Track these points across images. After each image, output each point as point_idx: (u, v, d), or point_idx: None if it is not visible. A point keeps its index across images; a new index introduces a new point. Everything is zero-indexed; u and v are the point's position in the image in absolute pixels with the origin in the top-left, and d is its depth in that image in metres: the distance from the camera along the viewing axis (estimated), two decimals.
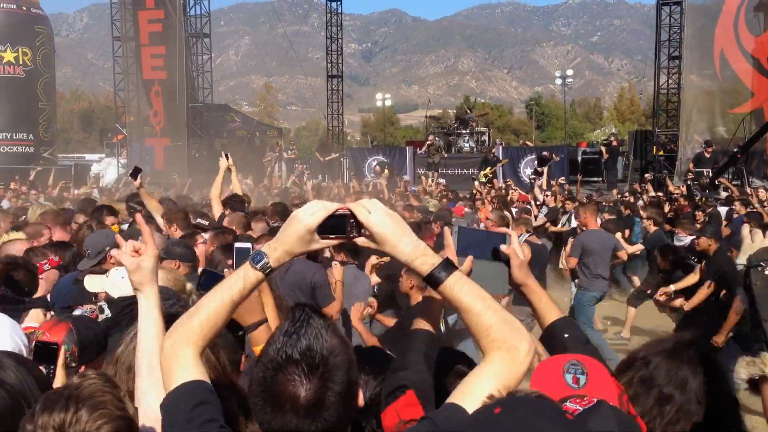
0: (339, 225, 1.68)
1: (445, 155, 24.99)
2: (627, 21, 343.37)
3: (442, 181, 21.28)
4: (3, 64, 25.31)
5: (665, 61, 24.30)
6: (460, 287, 1.67)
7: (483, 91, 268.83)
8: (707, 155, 20.74)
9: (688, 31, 23.06)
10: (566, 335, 2.02)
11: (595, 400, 1.59)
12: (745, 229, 1.61)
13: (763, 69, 21.58)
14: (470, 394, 1.60)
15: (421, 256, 1.68)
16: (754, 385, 1.46)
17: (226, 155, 7.77)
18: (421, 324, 2.03)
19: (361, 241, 1.71)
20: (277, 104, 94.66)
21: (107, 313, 3.52)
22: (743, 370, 1.48)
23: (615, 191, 18.04)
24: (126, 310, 3.42)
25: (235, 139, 27.26)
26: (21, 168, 21.59)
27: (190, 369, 1.66)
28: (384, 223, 1.67)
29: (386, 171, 22.18)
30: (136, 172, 7.60)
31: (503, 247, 1.97)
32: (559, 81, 50.33)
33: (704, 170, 20.12)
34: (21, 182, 17.04)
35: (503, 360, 1.63)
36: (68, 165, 27.66)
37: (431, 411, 1.75)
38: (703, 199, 14.55)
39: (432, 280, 1.68)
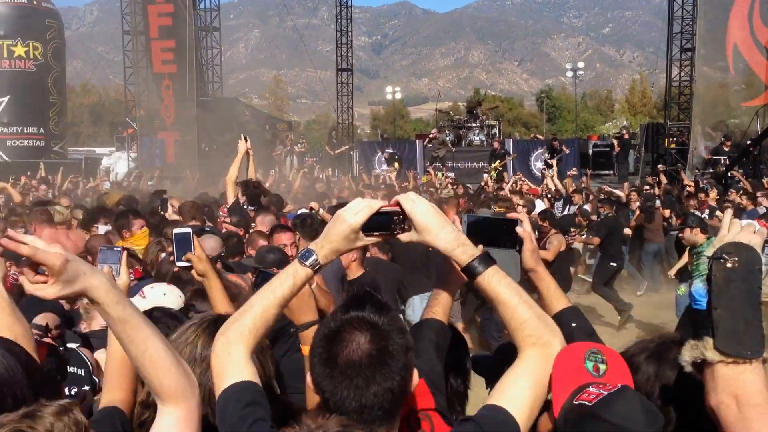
0: (383, 222, 1.73)
1: (453, 149, 24.87)
2: (638, 12, 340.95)
3: (451, 174, 21.21)
4: (14, 59, 25.39)
5: (677, 54, 24.11)
6: (498, 280, 1.72)
7: (493, 83, 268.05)
8: (726, 149, 20.54)
9: (700, 23, 22.82)
10: (573, 324, 2.03)
11: (619, 385, 1.64)
12: (726, 216, 1.58)
13: None
14: (509, 395, 1.65)
15: (461, 246, 1.74)
16: (698, 368, 1.50)
17: (245, 138, 7.69)
18: (432, 313, 2.06)
19: (403, 236, 1.75)
20: (287, 97, 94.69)
21: None
22: (687, 353, 1.53)
23: (626, 184, 17.92)
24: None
25: (245, 132, 27.25)
26: (32, 162, 21.65)
27: (242, 369, 1.69)
28: (427, 212, 1.72)
29: (395, 164, 22.12)
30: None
31: (518, 230, 1.98)
32: (570, 73, 50.11)
33: (720, 158, 19.98)
34: (31, 177, 17.11)
35: (538, 356, 1.68)
36: (78, 159, 27.79)
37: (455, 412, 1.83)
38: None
39: (469, 271, 1.73)
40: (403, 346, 1.56)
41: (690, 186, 15.78)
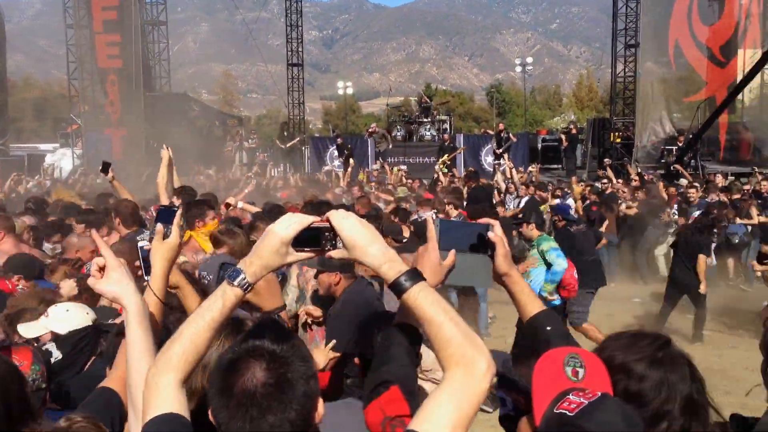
0: (314, 238, 1.70)
1: (391, 144, 24.95)
2: (585, 8, 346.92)
3: (404, 167, 21.30)
4: None
5: (622, 50, 24.63)
6: (423, 297, 1.65)
7: (444, 78, 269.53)
8: (679, 144, 21.14)
9: (644, 20, 23.40)
10: (549, 328, 2.02)
11: (599, 393, 1.64)
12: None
13: (715, 58, 22.06)
14: (431, 418, 1.56)
15: (388, 262, 1.69)
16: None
17: (167, 147, 7.84)
18: (404, 317, 2.01)
19: (334, 253, 1.72)
20: (237, 92, 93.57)
21: (57, 354, 3.31)
22: None
23: (574, 178, 18.32)
24: (81, 344, 3.37)
25: (194, 128, 26.87)
26: None
27: (169, 399, 1.64)
28: (355, 229, 1.69)
29: (351, 160, 22.12)
30: (106, 167, 7.63)
31: (490, 235, 1.97)
32: (519, 68, 50.77)
33: (673, 148, 20.66)
34: None
35: (461, 378, 1.59)
36: (21, 156, 26.98)
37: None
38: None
39: (396, 288, 1.68)
40: (304, 374, 1.53)
41: (635, 180, 16.25)
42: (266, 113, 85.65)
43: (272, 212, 7.02)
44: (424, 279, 1.70)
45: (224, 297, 1.69)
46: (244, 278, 1.68)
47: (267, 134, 47.06)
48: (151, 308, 2.12)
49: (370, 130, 25.75)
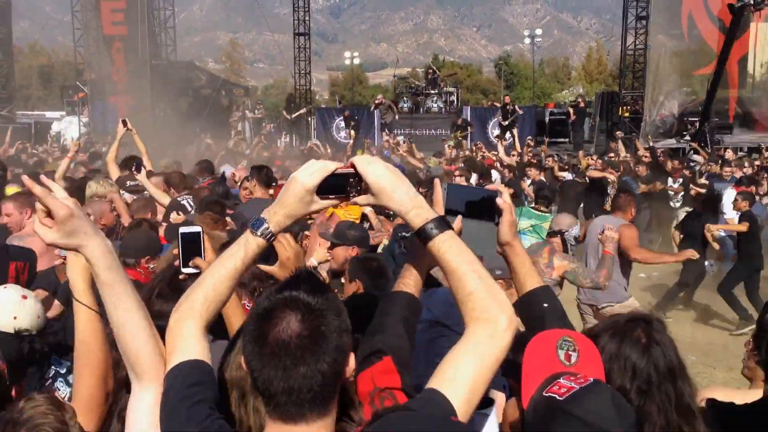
0: (339, 184, 1.67)
1: (397, 116, 24.84)
2: None
3: (401, 138, 21.19)
4: None
5: (633, 21, 24.34)
6: (448, 246, 1.63)
7: (452, 49, 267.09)
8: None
9: None
10: (545, 305, 1.97)
11: (591, 379, 1.61)
12: None
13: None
14: (448, 375, 1.56)
15: (416, 208, 1.66)
16: None
17: (124, 122, 8.21)
18: (402, 285, 1.98)
19: (360, 199, 1.69)
20: (243, 61, 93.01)
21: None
22: None
23: (581, 152, 18.21)
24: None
25: (200, 97, 26.80)
26: None
27: (193, 346, 1.65)
28: (382, 174, 1.65)
29: (352, 132, 22.04)
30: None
31: (498, 201, 1.92)
32: (527, 40, 50.22)
33: (695, 120, 20.47)
34: None
35: (481, 333, 1.57)
36: (27, 123, 26.96)
37: (406, 381, 1.73)
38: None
39: (423, 235, 1.65)
40: (338, 328, 1.49)
41: (646, 156, 16.10)
42: (273, 83, 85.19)
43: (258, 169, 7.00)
44: (451, 227, 1.67)
45: (246, 246, 1.68)
46: (268, 228, 1.67)
47: (274, 104, 46.86)
48: (82, 324, 1.96)
49: (376, 101, 25.59)
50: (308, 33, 29.11)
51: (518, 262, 2.00)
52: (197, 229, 2.27)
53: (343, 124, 24.95)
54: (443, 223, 1.65)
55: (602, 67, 69.07)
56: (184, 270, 2.20)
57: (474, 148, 18.55)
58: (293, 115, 26.01)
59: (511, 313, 1.59)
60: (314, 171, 1.65)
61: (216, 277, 1.68)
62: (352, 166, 1.67)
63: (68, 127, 27.27)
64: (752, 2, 16.23)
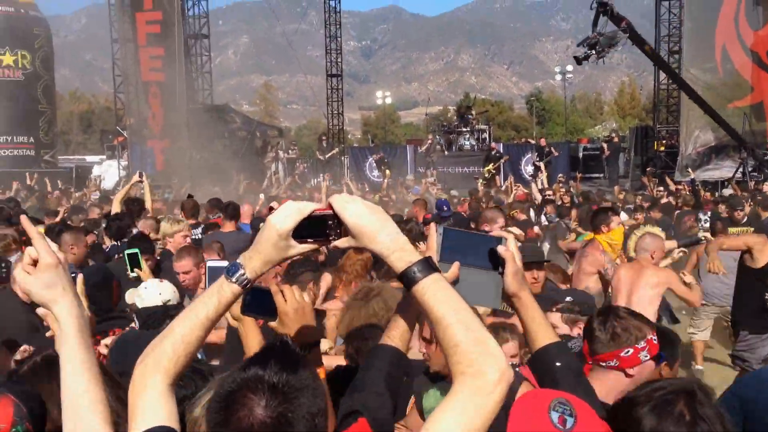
0: (317, 227, 1.54)
1: (445, 152, 24.96)
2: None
3: (431, 179, 21.15)
4: (2, 68, 25.35)
5: (665, 56, 24.26)
6: (432, 293, 1.46)
7: (483, 87, 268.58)
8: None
9: (687, 25, 23.01)
10: (558, 363, 1.80)
11: None
12: None
13: (762, 63, 21.56)
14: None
15: (398, 251, 1.50)
16: None
17: (140, 173, 9.16)
18: (387, 339, 1.84)
19: (339, 242, 1.55)
20: (277, 103, 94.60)
21: (136, 323, 3.79)
22: None
23: (617, 188, 18.03)
24: (149, 320, 3.79)
25: (235, 139, 27.27)
26: (22, 171, 21.54)
27: (159, 407, 1.50)
28: (361, 214, 1.51)
29: (387, 171, 22.17)
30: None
31: (500, 249, 1.75)
32: (559, 76, 50.25)
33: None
34: (21, 186, 17.02)
35: (467, 389, 1.40)
36: (69, 167, 27.65)
37: None
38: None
39: (405, 279, 1.49)
40: (308, 413, 1.36)
41: (684, 189, 15.71)
42: (306, 124, 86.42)
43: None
44: (438, 270, 1.52)
45: (220, 293, 1.55)
46: (243, 274, 1.54)
47: (307, 145, 47.48)
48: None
49: (429, 141, 25.70)
50: (341, 74, 29.59)
51: (528, 315, 1.83)
52: (223, 263, 2.16)
53: (375, 164, 25.12)
54: (429, 266, 1.49)
55: (635, 102, 68.74)
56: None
57: (508, 183, 18.25)
58: (326, 156, 26.28)
59: (504, 365, 1.41)
60: (289, 214, 1.52)
61: (186, 326, 1.54)
62: (330, 206, 1.55)
63: (108, 171, 27.91)
64: (594, 52, 16.22)
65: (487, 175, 21.16)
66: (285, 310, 1.94)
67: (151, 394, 1.50)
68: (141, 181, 9.02)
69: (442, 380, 2.17)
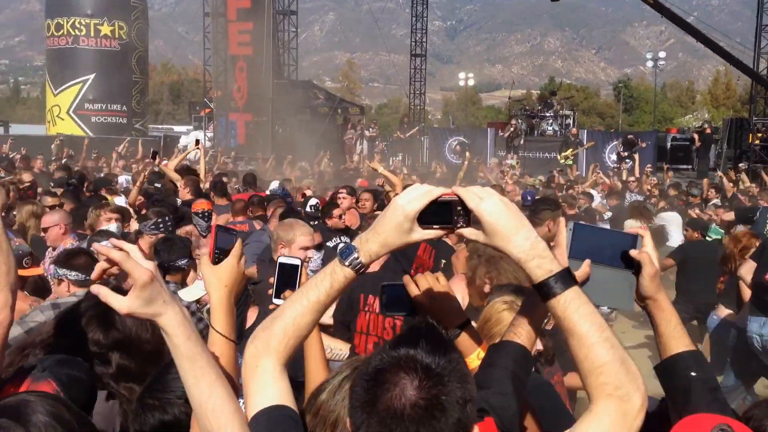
0: (444, 213, 1.44)
1: (526, 137, 24.50)
2: (726, 1, 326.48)
3: (510, 162, 20.76)
4: (100, 37, 26.36)
5: (766, 46, 23.06)
6: (575, 307, 1.38)
7: (569, 71, 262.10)
8: None
9: None
10: (693, 374, 1.66)
11: None
12: None
13: None
14: None
15: (537, 258, 1.40)
16: None
17: (197, 141, 9.50)
18: (514, 335, 1.70)
19: (467, 232, 1.45)
20: (359, 81, 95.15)
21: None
22: None
23: (706, 180, 17.32)
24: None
25: (317, 115, 27.62)
26: (114, 138, 22.46)
27: (271, 387, 1.50)
28: (498, 212, 1.41)
29: (468, 154, 21.98)
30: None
31: (634, 252, 1.63)
32: (650, 63, 48.48)
33: None
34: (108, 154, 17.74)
35: (613, 412, 1.34)
36: (158, 136, 28.65)
37: None
38: None
39: (543, 290, 1.40)
40: (461, 398, 1.27)
41: None
42: (387, 102, 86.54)
43: None
44: (578, 283, 1.43)
45: (332, 277, 1.49)
46: (357, 258, 1.46)
47: (386, 124, 47.63)
48: (217, 352, 1.75)
49: (511, 127, 25.22)
50: (425, 54, 29.44)
51: (663, 318, 1.70)
52: (297, 261, 2.10)
53: (455, 144, 24.93)
54: (569, 279, 1.41)
55: (730, 92, 65.68)
56: (276, 301, 1.99)
57: (593, 168, 17.56)
58: (407, 135, 26.28)
59: (645, 390, 1.37)
60: (417, 196, 1.43)
61: (297, 309, 1.51)
62: (455, 194, 1.45)
63: (193, 142, 28.73)
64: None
65: (563, 161, 20.62)
66: (421, 301, 1.83)
67: (264, 373, 1.50)
68: (198, 149, 9.15)
69: None
